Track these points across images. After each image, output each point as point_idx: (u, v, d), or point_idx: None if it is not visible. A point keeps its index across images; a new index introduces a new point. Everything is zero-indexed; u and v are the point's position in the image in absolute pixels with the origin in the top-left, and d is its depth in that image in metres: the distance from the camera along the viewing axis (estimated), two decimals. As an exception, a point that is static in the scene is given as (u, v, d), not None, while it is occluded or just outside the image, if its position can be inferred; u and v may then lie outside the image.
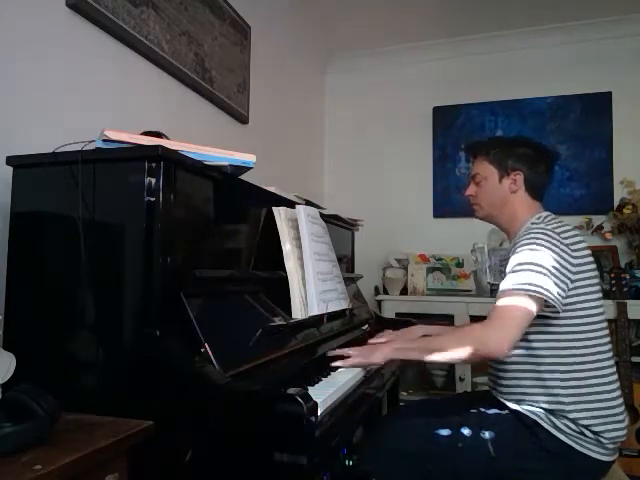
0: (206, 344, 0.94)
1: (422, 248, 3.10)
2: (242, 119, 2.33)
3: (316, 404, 0.89)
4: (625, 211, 2.76)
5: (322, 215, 1.65)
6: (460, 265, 2.98)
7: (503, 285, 1.24)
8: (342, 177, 3.49)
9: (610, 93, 2.96)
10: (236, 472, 0.87)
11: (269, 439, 0.86)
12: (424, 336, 1.60)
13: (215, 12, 2.09)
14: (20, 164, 1.08)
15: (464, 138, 3.14)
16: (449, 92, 3.27)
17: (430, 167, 3.30)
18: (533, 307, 1.18)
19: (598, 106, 2.98)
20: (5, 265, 1.07)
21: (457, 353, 1.22)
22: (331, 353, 1.38)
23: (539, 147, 1.46)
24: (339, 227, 2.03)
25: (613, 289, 2.52)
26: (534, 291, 1.18)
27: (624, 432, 1.24)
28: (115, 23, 1.53)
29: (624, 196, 2.85)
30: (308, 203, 1.60)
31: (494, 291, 2.58)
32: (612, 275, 2.56)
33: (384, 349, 1.35)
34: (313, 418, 0.86)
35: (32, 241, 1.06)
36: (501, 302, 1.21)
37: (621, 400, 1.27)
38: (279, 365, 1.14)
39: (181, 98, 1.91)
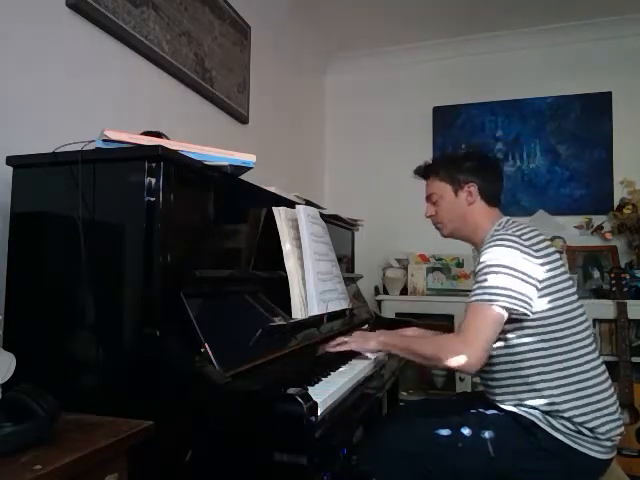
0: (206, 344, 0.94)
1: (422, 248, 3.10)
2: (242, 119, 2.33)
3: (316, 404, 0.89)
4: (625, 211, 2.76)
5: (322, 215, 1.65)
6: (460, 265, 2.98)
7: (472, 297, 1.26)
8: (342, 177, 3.49)
9: (610, 93, 2.96)
10: (236, 472, 0.87)
11: (269, 439, 0.86)
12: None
13: (215, 12, 2.09)
14: (20, 164, 1.08)
15: (464, 138, 3.15)
16: (449, 92, 3.27)
17: (430, 167, 3.29)
18: (502, 316, 1.22)
19: (598, 106, 2.98)
20: (5, 265, 1.07)
21: (432, 361, 1.30)
22: (327, 346, 1.44)
23: (483, 157, 1.51)
24: (339, 227, 2.03)
25: (613, 289, 2.53)
26: (497, 301, 1.21)
27: (618, 424, 1.24)
28: (115, 23, 1.53)
29: (624, 196, 2.85)
30: (308, 203, 1.60)
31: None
32: (612, 275, 2.56)
33: (377, 339, 1.44)
34: (313, 418, 0.86)
35: (32, 241, 1.06)
36: (472, 314, 1.24)
37: (611, 394, 1.27)
38: (279, 365, 1.14)
39: (181, 98, 1.91)
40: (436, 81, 3.32)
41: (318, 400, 0.93)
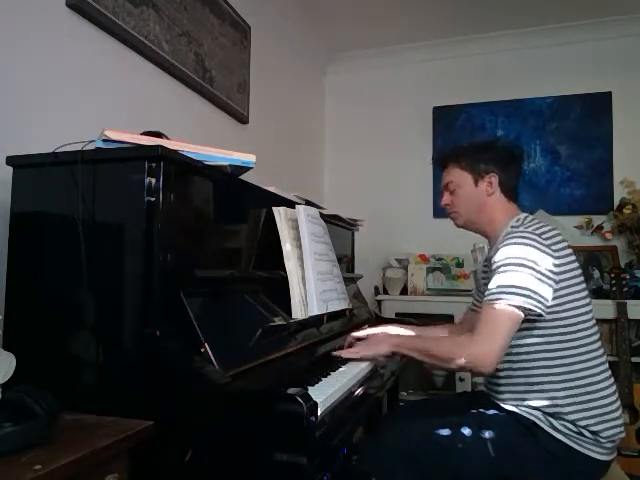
0: (206, 344, 0.94)
1: (422, 248, 3.10)
2: (242, 119, 2.33)
3: (316, 404, 0.89)
4: (625, 211, 2.76)
5: (322, 215, 1.65)
6: (460, 265, 2.98)
7: (488, 294, 1.23)
8: (342, 177, 3.49)
9: (610, 93, 2.96)
10: (236, 472, 0.87)
11: (269, 439, 0.86)
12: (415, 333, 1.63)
13: (215, 12, 2.09)
14: (20, 164, 1.08)
15: (464, 138, 3.14)
16: (449, 92, 3.27)
17: (430, 167, 3.29)
18: (518, 317, 1.19)
19: (598, 106, 2.98)
20: (5, 265, 1.07)
21: (446, 362, 1.26)
22: (336, 353, 1.40)
23: (507, 148, 1.47)
24: (339, 227, 2.03)
25: (613, 289, 2.52)
26: (517, 300, 1.18)
27: (621, 429, 1.24)
28: (115, 23, 1.53)
29: (624, 196, 2.85)
30: (308, 203, 1.60)
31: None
32: (612, 275, 2.56)
33: (389, 341, 1.39)
34: (313, 418, 0.86)
35: (32, 241, 1.06)
36: (487, 315, 1.21)
37: (616, 397, 1.27)
38: (279, 365, 1.14)
39: (181, 98, 1.91)
40: (436, 81, 3.32)
41: (318, 400, 0.93)
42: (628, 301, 2.48)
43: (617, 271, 2.57)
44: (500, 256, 1.25)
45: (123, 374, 0.95)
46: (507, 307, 1.19)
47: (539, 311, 1.20)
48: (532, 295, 1.19)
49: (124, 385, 0.94)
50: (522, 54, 3.14)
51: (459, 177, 1.44)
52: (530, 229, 1.28)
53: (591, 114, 2.99)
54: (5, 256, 1.07)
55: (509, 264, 1.22)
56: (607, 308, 2.50)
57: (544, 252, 1.23)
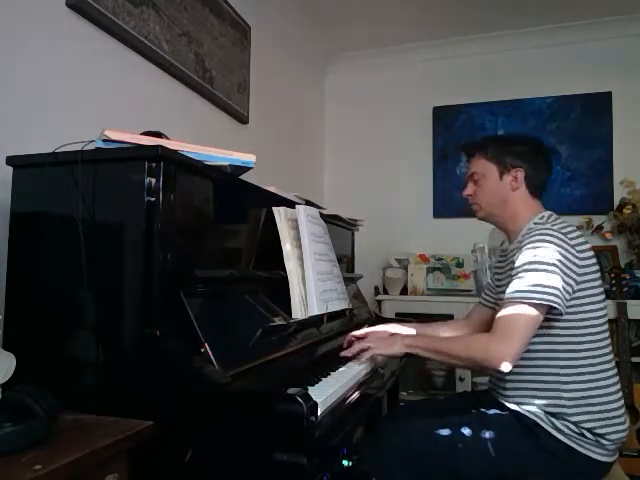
0: (206, 344, 0.94)
1: (422, 248, 3.10)
2: (242, 119, 2.33)
3: (316, 404, 0.89)
4: (625, 211, 2.76)
5: (322, 215, 1.65)
6: (460, 265, 2.98)
7: (510, 292, 1.21)
8: (342, 177, 3.49)
9: (610, 93, 2.96)
10: (236, 472, 0.87)
11: (269, 439, 0.86)
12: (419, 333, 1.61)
13: (215, 12, 2.09)
14: (20, 164, 1.08)
15: (464, 138, 3.14)
16: (449, 92, 3.27)
17: (430, 167, 3.30)
18: (539, 316, 1.18)
19: (598, 106, 2.98)
20: (5, 265, 1.07)
21: (463, 361, 1.25)
22: (345, 353, 1.38)
23: (537, 144, 1.44)
24: (339, 227, 2.03)
25: (613, 289, 2.52)
26: (540, 298, 1.17)
27: (625, 433, 1.24)
28: (115, 23, 1.53)
29: (624, 196, 2.85)
30: (308, 203, 1.60)
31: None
32: (612, 275, 2.55)
33: (402, 341, 1.34)
34: (313, 418, 0.86)
35: (32, 241, 1.06)
36: (508, 312, 1.20)
37: (622, 402, 1.27)
38: (279, 365, 1.14)
39: (181, 98, 1.91)
40: (436, 81, 3.32)
41: (318, 400, 0.93)
42: (628, 301, 2.48)
43: (617, 271, 2.57)
44: (525, 255, 1.23)
45: (123, 374, 0.95)
46: (528, 305, 1.17)
47: (561, 309, 1.18)
48: (556, 293, 1.17)
49: (124, 385, 0.94)
50: (522, 54, 3.14)
51: (484, 168, 1.41)
52: (555, 227, 1.26)
53: (591, 114, 2.99)
54: (5, 256, 1.07)
55: (534, 262, 1.20)
56: (607, 308, 2.48)
57: (569, 252, 1.22)
